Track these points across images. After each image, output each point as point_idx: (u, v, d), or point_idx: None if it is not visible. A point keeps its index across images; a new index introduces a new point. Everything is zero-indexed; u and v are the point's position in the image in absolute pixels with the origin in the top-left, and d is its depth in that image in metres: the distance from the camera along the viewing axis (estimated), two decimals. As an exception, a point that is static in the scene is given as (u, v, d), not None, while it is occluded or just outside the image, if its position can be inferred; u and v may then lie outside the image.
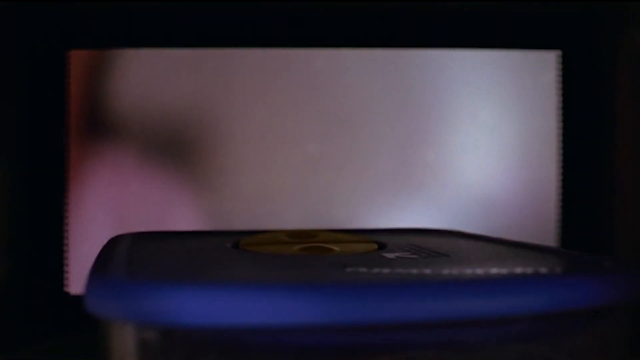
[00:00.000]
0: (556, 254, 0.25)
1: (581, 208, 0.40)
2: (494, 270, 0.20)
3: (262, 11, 0.40)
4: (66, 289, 0.40)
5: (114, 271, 0.20)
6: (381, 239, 0.29)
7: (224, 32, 0.40)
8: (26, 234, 0.39)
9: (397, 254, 0.24)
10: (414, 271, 0.20)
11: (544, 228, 0.40)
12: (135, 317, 0.17)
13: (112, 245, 0.28)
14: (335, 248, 0.26)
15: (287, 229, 0.31)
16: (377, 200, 0.41)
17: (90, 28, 0.40)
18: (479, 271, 0.20)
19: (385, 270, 0.20)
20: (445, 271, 0.20)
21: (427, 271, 0.20)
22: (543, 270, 0.20)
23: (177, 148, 0.41)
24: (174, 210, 0.41)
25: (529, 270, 0.20)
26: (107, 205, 0.40)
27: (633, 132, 0.37)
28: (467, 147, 0.41)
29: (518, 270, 0.20)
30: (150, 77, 0.40)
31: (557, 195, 0.40)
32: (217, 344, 0.18)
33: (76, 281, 0.40)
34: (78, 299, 0.40)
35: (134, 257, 0.24)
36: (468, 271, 0.20)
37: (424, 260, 0.23)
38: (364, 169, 0.41)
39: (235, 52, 0.40)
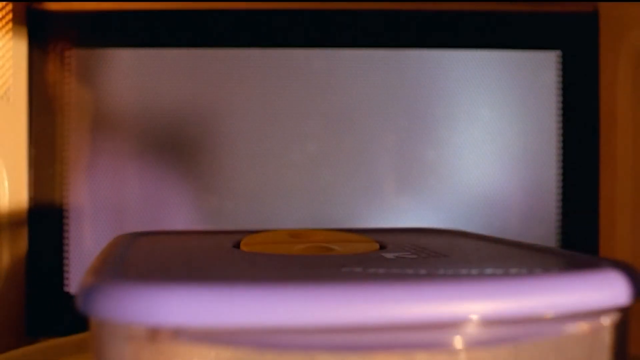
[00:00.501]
0: (556, 254, 0.25)
1: (581, 208, 0.40)
2: (489, 271, 0.20)
3: (262, 11, 0.40)
4: (66, 289, 0.40)
5: (104, 270, 0.20)
6: (384, 239, 0.29)
7: (224, 33, 0.40)
8: (26, 234, 0.39)
9: (397, 254, 0.24)
10: (410, 271, 0.20)
11: (544, 228, 0.40)
12: (120, 316, 0.17)
13: (113, 244, 0.28)
14: (336, 248, 0.26)
15: (290, 229, 0.31)
16: (376, 199, 0.41)
17: (90, 28, 0.40)
18: (475, 271, 0.20)
19: (381, 270, 0.20)
20: (441, 271, 0.20)
21: (423, 271, 0.20)
22: (537, 270, 0.20)
23: (177, 148, 0.41)
24: (174, 210, 0.41)
25: (524, 270, 0.20)
26: (107, 205, 0.40)
27: (633, 132, 0.37)
28: (467, 147, 0.41)
29: (513, 270, 0.20)
30: (150, 77, 0.40)
31: (557, 195, 0.40)
32: (204, 344, 0.18)
33: (76, 281, 0.40)
34: (78, 298, 0.39)
35: (131, 256, 0.24)
36: (464, 271, 0.20)
37: (422, 261, 0.23)
38: (364, 168, 0.41)
39: (235, 52, 0.40)
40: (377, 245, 0.27)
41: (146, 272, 0.21)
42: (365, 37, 0.41)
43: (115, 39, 0.40)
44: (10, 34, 0.37)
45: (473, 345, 0.18)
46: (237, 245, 0.27)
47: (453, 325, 0.18)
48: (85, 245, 0.40)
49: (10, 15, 0.37)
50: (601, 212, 0.39)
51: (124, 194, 0.40)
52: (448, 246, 0.27)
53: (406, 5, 0.40)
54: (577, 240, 0.40)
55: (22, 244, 0.39)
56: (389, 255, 0.24)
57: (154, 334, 0.17)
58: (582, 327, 0.19)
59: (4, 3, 0.37)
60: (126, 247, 0.27)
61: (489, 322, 0.18)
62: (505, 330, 0.18)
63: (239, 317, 0.17)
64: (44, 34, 0.40)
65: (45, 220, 0.40)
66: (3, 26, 0.37)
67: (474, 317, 0.18)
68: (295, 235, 0.29)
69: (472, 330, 0.18)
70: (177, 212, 0.40)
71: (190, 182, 0.40)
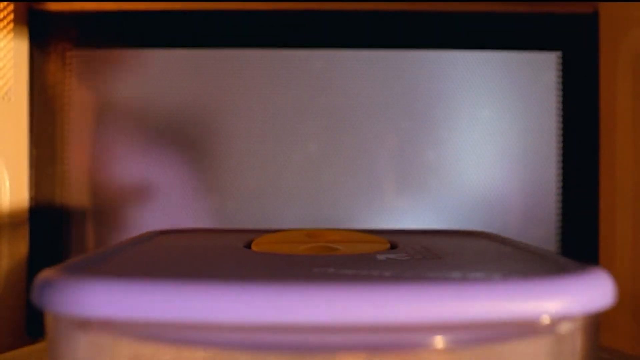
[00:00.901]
0: (551, 261, 0.24)
1: (581, 208, 0.40)
2: (456, 275, 0.19)
3: (262, 12, 0.40)
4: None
5: (63, 266, 0.21)
6: (401, 240, 0.28)
7: (224, 33, 0.40)
8: (27, 234, 0.39)
9: (391, 256, 0.24)
10: (376, 273, 0.20)
11: (543, 228, 0.40)
12: (54, 307, 0.18)
13: (127, 240, 0.28)
14: (341, 248, 0.26)
15: (310, 229, 0.31)
16: (377, 200, 0.41)
17: (91, 28, 0.40)
18: (440, 275, 0.20)
19: (349, 272, 0.20)
20: (407, 274, 0.20)
21: (388, 274, 0.20)
22: (496, 276, 0.19)
23: (177, 148, 0.41)
24: (175, 209, 0.41)
25: (481, 275, 0.19)
26: (108, 205, 0.40)
27: (633, 132, 0.37)
28: (468, 147, 0.41)
29: (476, 275, 0.19)
30: (150, 77, 0.40)
31: (557, 196, 0.40)
32: (132, 337, 0.18)
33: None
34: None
35: (125, 252, 0.25)
36: (431, 274, 0.20)
37: (404, 263, 0.22)
38: (365, 169, 0.41)
39: (236, 53, 0.40)
40: (386, 247, 0.27)
41: (103, 268, 0.22)
42: (365, 37, 0.41)
43: (116, 39, 0.40)
44: (11, 34, 0.38)
45: (402, 349, 0.17)
46: (250, 244, 0.28)
47: (380, 328, 0.17)
48: (85, 246, 0.40)
49: (11, 16, 0.37)
50: (601, 212, 0.39)
51: (125, 194, 0.40)
52: (458, 250, 0.26)
53: (406, 5, 0.40)
54: (577, 241, 0.40)
55: (23, 243, 0.39)
56: (381, 257, 0.24)
57: (85, 326, 0.18)
58: (535, 334, 0.18)
59: (5, 3, 0.37)
60: (134, 243, 0.27)
61: (417, 326, 0.17)
62: (440, 335, 0.18)
63: (156, 311, 0.17)
64: (45, 35, 0.40)
65: (46, 220, 0.40)
66: (4, 26, 0.37)
67: (401, 321, 0.17)
68: (312, 235, 0.29)
69: (399, 334, 0.17)
70: (178, 211, 0.41)
71: (191, 182, 0.41)
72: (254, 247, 0.27)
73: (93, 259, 0.22)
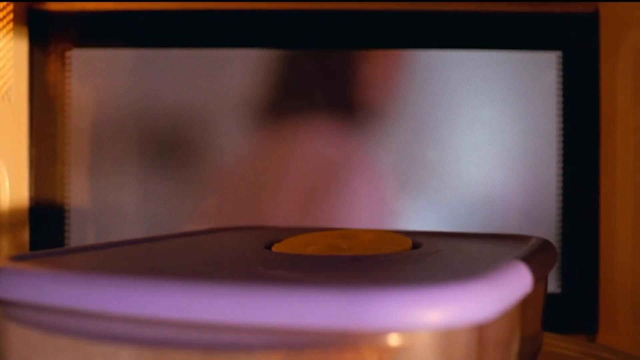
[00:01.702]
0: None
1: (581, 208, 0.40)
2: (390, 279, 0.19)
3: (262, 12, 0.40)
4: (66, 289, 0.40)
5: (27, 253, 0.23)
6: (432, 243, 0.28)
7: (224, 33, 0.40)
8: (27, 234, 0.39)
9: (373, 258, 0.24)
10: (288, 274, 0.20)
11: (544, 228, 0.40)
12: None
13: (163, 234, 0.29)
14: (346, 249, 0.26)
15: (346, 229, 0.31)
16: (376, 200, 0.41)
17: (91, 28, 0.40)
18: (352, 278, 0.20)
19: (279, 272, 0.20)
20: (327, 277, 0.20)
21: (300, 275, 0.20)
22: (377, 283, 0.19)
23: (177, 148, 0.41)
24: (174, 209, 0.41)
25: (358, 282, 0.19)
26: (108, 205, 0.40)
27: (633, 132, 0.37)
28: (468, 147, 0.41)
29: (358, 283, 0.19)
30: (150, 77, 0.40)
31: (557, 196, 0.40)
32: (27, 323, 0.19)
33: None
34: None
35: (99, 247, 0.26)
36: (360, 279, 0.20)
37: (368, 266, 0.22)
38: (364, 168, 0.41)
39: (235, 53, 0.40)
40: (401, 249, 0.26)
41: (60, 259, 0.23)
42: (365, 37, 0.41)
43: (116, 39, 0.40)
44: (11, 34, 0.38)
45: (239, 350, 0.17)
46: (277, 242, 0.28)
47: (217, 327, 0.17)
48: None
49: (11, 16, 0.37)
50: (601, 212, 0.39)
51: (125, 194, 0.40)
52: (465, 255, 0.26)
53: (406, 5, 0.40)
54: (577, 241, 0.40)
55: (23, 243, 0.39)
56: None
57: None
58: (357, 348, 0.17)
59: (4, 3, 0.37)
60: (158, 239, 0.28)
61: (265, 328, 0.17)
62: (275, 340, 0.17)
63: (51, 298, 0.18)
64: (45, 35, 0.40)
65: (46, 220, 0.40)
66: (4, 26, 0.37)
67: (237, 321, 0.17)
68: (345, 236, 0.29)
69: (239, 335, 0.17)
70: (177, 211, 0.41)
71: (191, 181, 0.41)
72: (275, 247, 0.27)
73: (67, 250, 0.24)
